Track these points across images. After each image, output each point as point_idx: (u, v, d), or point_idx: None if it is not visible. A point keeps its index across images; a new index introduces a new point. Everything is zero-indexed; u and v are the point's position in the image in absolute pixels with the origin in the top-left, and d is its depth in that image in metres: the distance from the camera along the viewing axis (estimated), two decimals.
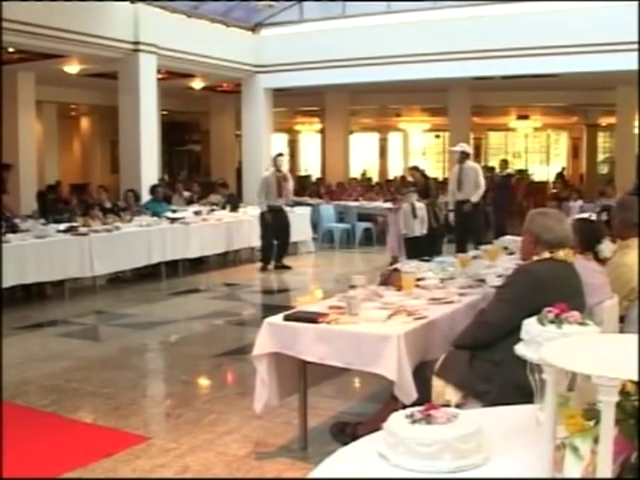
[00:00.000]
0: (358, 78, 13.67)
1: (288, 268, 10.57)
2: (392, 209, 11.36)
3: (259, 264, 10.58)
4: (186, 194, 13.47)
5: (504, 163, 14.82)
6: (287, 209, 10.90)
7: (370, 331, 3.53)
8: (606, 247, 4.07)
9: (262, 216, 10.45)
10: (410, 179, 12.26)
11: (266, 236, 10.48)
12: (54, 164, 17.19)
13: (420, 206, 10.18)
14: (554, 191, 19.38)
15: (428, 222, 10.21)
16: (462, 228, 10.31)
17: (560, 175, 21.49)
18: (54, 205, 12.82)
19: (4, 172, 12.21)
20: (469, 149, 10.88)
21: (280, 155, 10.75)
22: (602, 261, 4.06)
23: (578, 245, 3.97)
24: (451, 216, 10.57)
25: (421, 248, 9.56)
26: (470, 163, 10.47)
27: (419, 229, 10.10)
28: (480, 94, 17.04)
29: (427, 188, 11.01)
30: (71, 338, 6.68)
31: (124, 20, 11.53)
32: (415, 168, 12.12)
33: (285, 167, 10.81)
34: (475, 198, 10.20)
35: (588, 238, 4.03)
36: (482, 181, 10.31)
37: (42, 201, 12.99)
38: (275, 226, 10.43)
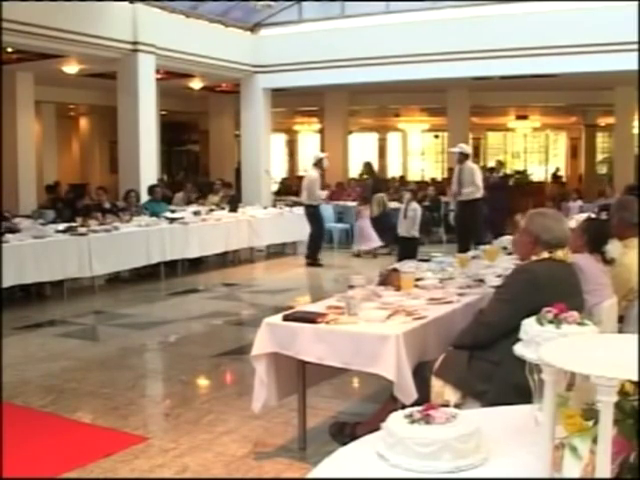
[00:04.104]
0: (357, 78, 13.66)
1: (320, 266, 10.97)
2: (361, 208, 12.33)
3: (303, 260, 11.03)
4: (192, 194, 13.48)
5: (499, 164, 14.86)
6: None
7: (369, 331, 3.53)
8: (613, 248, 4.06)
9: (312, 213, 10.93)
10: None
11: (319, 231, 11.02)
12: (53, 164, 17.18)
13: (413, 207, 9.89)
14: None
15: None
16: (463, 228, 10.30)
17: (554, 175, 21.57)
18: (54, 204, 12.81)
19: None
20: (468, 149, 10.86)
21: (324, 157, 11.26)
22: (608, 262, 4.05)
23: (586, 245, 3.97)
24: (451, 216, 10.64)
25: (406, 249, 9.68)
26: (469, 164, 10.47)
27: (407, 230, 9.80)
28: (479, 94, 17.04)
29: (376, 186, 12.08)
30: (70, 338, 6.68)
31: (123, 20, 11.52)
32: (367, 164, 13.68)
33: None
34: (466, 195, 10.20)
35: (596, 238, 4.02)
36: (478, 180, 10.31)
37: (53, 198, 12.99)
38: (319, 222, 11.10)
